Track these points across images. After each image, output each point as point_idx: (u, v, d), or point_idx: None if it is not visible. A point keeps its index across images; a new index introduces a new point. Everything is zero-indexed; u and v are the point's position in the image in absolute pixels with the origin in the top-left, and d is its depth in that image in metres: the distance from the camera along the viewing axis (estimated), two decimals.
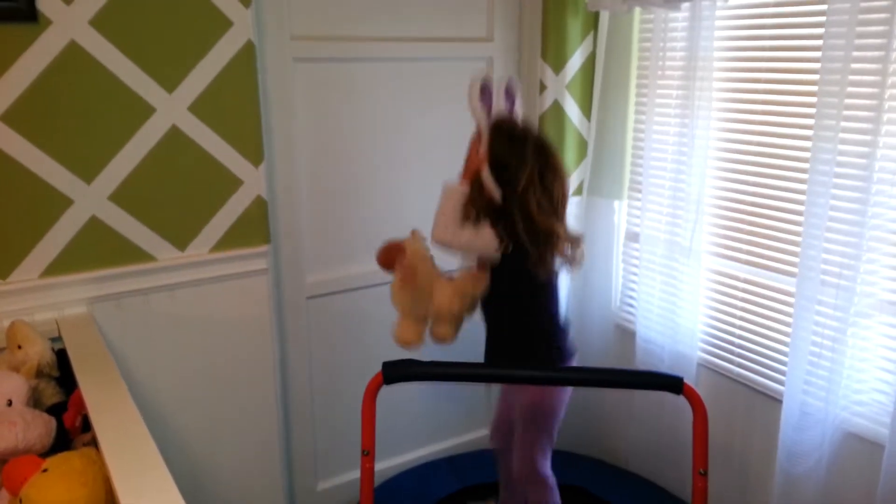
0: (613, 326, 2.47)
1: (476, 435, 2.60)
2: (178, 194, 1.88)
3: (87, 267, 1.80)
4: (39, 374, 1.55)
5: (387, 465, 2.45)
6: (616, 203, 2.40)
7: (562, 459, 2.43)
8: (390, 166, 2.29)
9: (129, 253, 1.85)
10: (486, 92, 1.70)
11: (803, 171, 1.80)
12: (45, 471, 1.19)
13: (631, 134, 2.33)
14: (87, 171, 1.76)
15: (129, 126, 1.78)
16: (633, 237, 2.36)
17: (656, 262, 2.21)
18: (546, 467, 1.90)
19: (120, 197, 1.81)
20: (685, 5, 1.99)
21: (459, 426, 2.61)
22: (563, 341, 1.82)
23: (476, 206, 1.70)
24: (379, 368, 1.68)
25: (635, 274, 2.35)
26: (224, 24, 1.84)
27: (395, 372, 1.68)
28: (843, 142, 1.65)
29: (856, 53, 1.61)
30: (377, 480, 2.17)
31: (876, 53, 1.59)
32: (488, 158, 1.67)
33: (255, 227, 2.01)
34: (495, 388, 2.34)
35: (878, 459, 1.67)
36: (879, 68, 1.58)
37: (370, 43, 2.17)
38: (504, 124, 1.71)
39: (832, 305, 1.72)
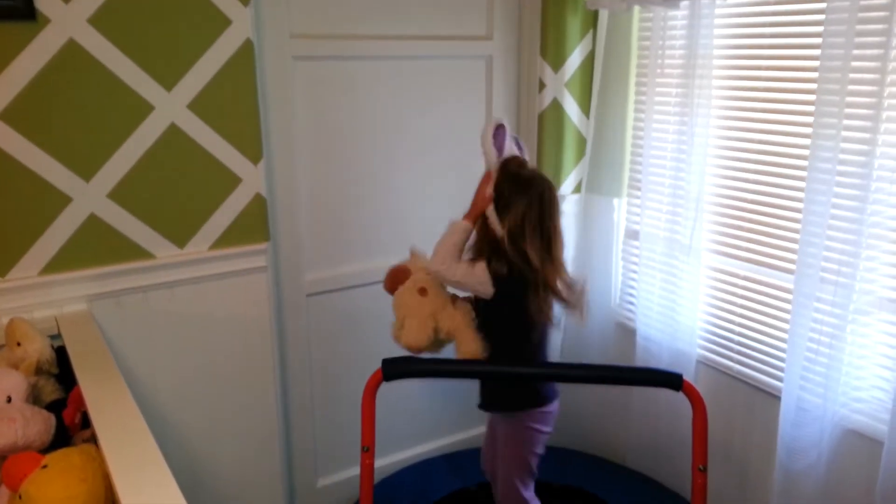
0: (613, 324, 2.47)
1: (475, 432, 2.59)
2: (177, 192, 1.88)
3: (86, 264, 1.80)
4: (39, 371, 1.55)
5: (387, 461, 2.45)
6: (615, 201, 2.40)
7: (560, 457, 2.45)
8: (389, 164, 2.30)
9: (128, 250, 1.85)
10: (499, 134, 1.71)
11: (802, 168, 1.80)
12: (44, 467, 1.19)
13: (630, 132, 2.33)
14: (86, 168, 1.76)
15: (128, 124, 1.78)
16: (632, 235, 2.36)
17: (656, 260, 2.21)
18: (528, 493, 1.89)
19: (119, 195, 1.81)
20: (684, 3, 1.99)
21: (459, 423, 2.62)
22: (543, 387, 1.82)
23: (479, 243, 1.73)
24: (378, 365, 1.69)
25: (635, 272, 2.35)
26: (223, 22, 1.84)
27: (395, 369, 1.69)
28: (843, 139, 1.65)
29: (855, 51, 1.60)
30: (377, 477, 2.17)
31: (875, 52, 1.58)
32: (494, 198, 1.69)
33: (254, 224, 2.01)
34: None
35: (877, 456, 1.67)
36: (878, 66, 1.58)
37: (369, 41, 2.17)
38: (512, 164, 1.72)
39: (830, 302, 1.72)
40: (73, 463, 1.19)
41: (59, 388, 1.57)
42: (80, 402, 1.41)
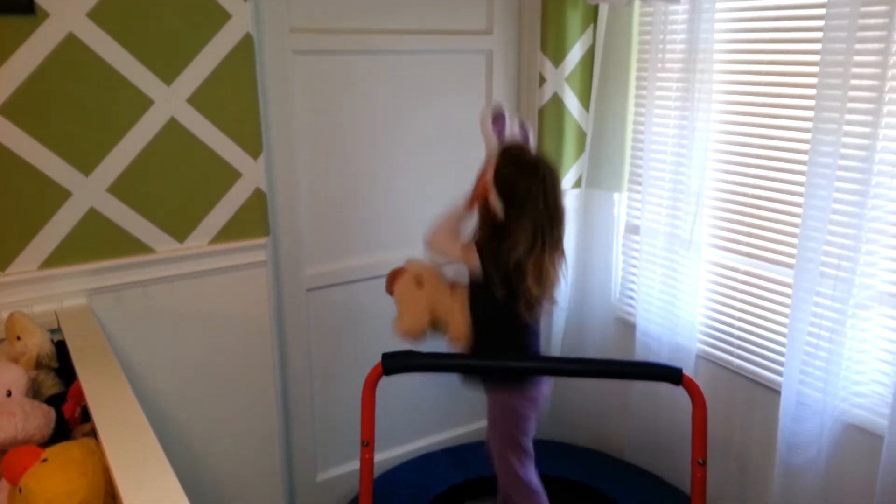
0: (613, 319, 2.47)
1: (476, 426, 2.60)
2: (176, 186, 1.88)
3: (85, 259, 1.80)
4: (39, 365, 1.55)
5: (386, 456, 2.45)
6: (616, 195, 2.40)
7: (559, 451, 2.45)
8: (389, 158, 2.29)
9: (127, 245, 1.85)
10: (498, 120, 1.71)
11: (803, 163, 1.79)
12: (44, 461, 1.19)
13: (631, 126, 2.33)
14: (86, 163, 1.75)
15: (128, 118, 1.78)
16: (633, 229, 2.36)
17: (656, 255, 2.21)
18: (525, 473, 1.89)
19: (118, 189, 1.80)
20: None
21: (459, 417, 2.62)
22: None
23: (481, 226, 1.74)
24: (378, 360, 1.69)
25: (635, 266, 2.35)
26: (222, 16, 1.84)
27: (395, 363, 1.69)
28: (844, 134, 1.65)
29: (857, 45, 1.60)
30: (377, 472, 2.18)
31: (876, 46, 1.58)
32: (495, 182, 1.68)
33: (253, 219, 2.01)
34: None
35: (877, 450, 1.67)
36: (880, 60, 1.58)
37: (370, 35, 2.16)
38: (513, 149, 1.72)
39: (830, 297, 1.72)
40: (73, 457, 1.19)
41: (58, 382, 1.57)
42: (80, 396, 1.41)
